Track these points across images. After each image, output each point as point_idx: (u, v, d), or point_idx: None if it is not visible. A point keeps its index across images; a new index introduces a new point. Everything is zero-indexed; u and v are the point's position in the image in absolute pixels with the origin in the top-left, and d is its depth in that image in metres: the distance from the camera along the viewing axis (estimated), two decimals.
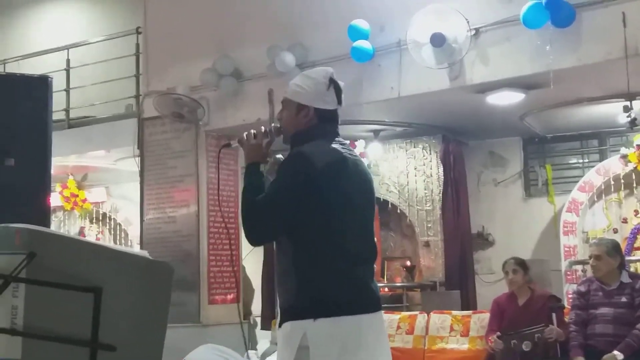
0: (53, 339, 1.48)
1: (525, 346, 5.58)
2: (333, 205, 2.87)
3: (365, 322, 2.86)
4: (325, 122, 3.04)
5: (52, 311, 1.51)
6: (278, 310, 3.03)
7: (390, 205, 8.51)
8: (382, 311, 3.00)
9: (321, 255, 2.86)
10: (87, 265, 1.49)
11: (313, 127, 3.02)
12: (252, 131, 3.11)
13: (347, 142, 3.15)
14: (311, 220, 2.85)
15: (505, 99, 6.79)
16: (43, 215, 4.65)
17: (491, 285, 8.15)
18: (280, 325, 2.94)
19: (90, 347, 1.48)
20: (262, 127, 3.13)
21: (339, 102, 3.06)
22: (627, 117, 6.51)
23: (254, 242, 3.01)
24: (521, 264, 6.00)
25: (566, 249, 7.69)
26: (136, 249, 9.25)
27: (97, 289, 1.45)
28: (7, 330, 1.52)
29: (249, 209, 2.92)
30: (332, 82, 3.04)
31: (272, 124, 3.15)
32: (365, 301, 2.91)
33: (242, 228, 8.24)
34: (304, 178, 2.84)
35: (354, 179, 2.97)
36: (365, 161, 8.37)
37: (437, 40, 6.07)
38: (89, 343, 1.48)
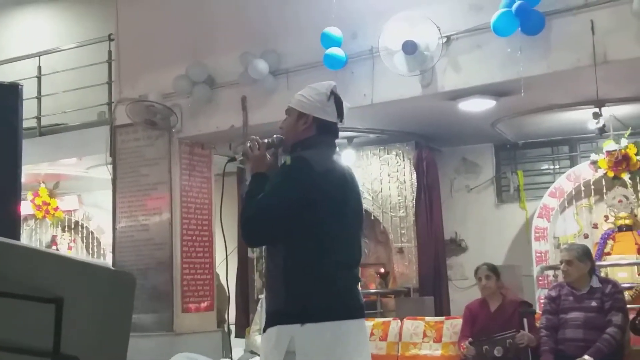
0: (14, 350, 1.47)
1: (497, 352, 5.62)
2: (327, 212, 2.95)
3: (351, 327, 2.93)
4: (324, 134, 3.13)
5: (12, 322, 1.49)
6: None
7: (364, 212, 8.52)
8: (365, 317, 3.06)
9: (311, 261, 2.92)
10: (48, 275, 1.47)
11: (312, 137, 3.10)
12: (255, 142, 3.16)
13: (342, 155, 3.25)
14: (304, 225, 2.91)
15: (477, 105, 6.84)
16: (13, 224, 4.59)
17: (464, 290, 8.20)
18: (264, 330, 2.98)
19: (52, 359, 1.47)
20: (266, 139, 3.18)
21: (340, 116, 3.14)
22: (597, 123, 6.60)
23: (252, 243, 3.27)
24: (493, 270, 6.04)
25: (538, 254, 7.75)
26: (109, 257, 9.19)
27: (59, 299, 1.44)
28: None
29: (249, 213, 2.97)
30: (333, 94, 3.13)
31: (275, 135, 3.21)
32: (351, 307, 2.97)
33: (215, 236, 8.20)
34: (302, 183, 2.92)
35: (347, 190, 3.07)
36: None
37: (409, 48, 6.11)
38: (50, 354, 1.46)
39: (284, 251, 2.94)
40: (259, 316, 6.49)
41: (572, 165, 8.37)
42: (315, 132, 3.10)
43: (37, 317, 1.42)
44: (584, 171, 7.77)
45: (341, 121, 3.16)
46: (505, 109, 7.07)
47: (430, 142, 8.43)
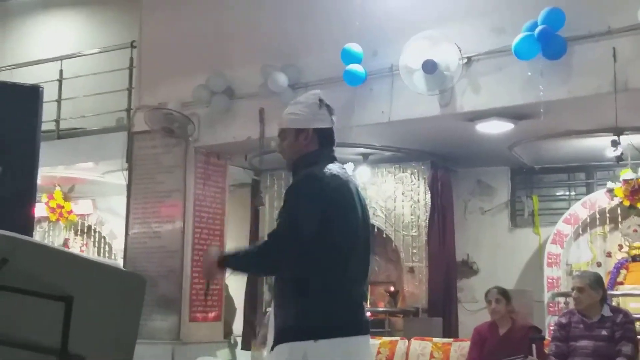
0: (22, 347, 1.47)
1: None
2: (341, 226, 2.93)
3: (360, 343, 2.93)
4: (325, 145, 3.10)
5: (22, 318, 1.50)
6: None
7: (376, 230, 8.50)
8: (369, 333, 3.05)
9: (326, 276, 2.90)
10: (60, 273, 1.48)
11: (315, 151, 3.08)
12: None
13: (345, 165, 3.21)
14: (319, 241, 2.88)
15: (495, 128, 6.82)
16: (27, 225, 4.62)
17: (474, 313, 8.14)
18: (273, 347, 2.94)
19: (59, 357, 1.47)
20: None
21: (332, 121, 3.13)
22: (615, 151, 6.56)
23: (293, 273, 2.93)
24: (504, 293, 5.98)
25: (549, 280, 7.70)
26: (120, 263, 9.20)
27: (69, 297, 1.44)
28: None
29: (272, 252, 2.91)
30: (322, 101, 3.11)
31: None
32: (361, 322, 2.97)
33: (226, 246, 8.19)
34: (318, 200, 2.90)
35: (357, 204, 3.04)
36: None
37: (429, 67, 6.11)
38: (58, 352, 1.47)
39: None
40: (266, 330, 6.47)
41: (588, 192, 8.32)
42: (318, 144, 3.08)
43: (46, 314, 1.43)
44: (600, 199, 7.72)
45: (333, 124, 3.13)
46: (523, 132, 7.04)
47: (446, 162, 8.41)
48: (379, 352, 6.76)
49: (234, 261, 3.05)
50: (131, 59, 8.72)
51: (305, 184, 2.98)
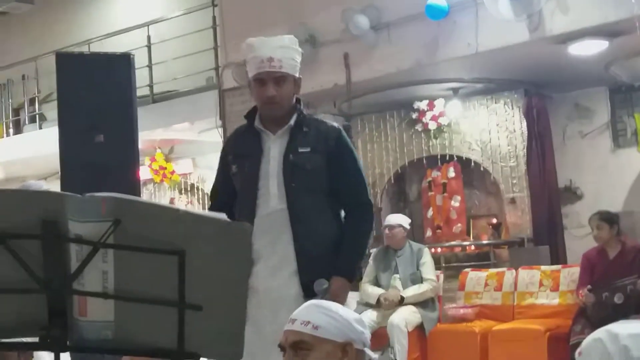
0: (143, 301, 1.57)
1: (618, 298, 5.48)
2: None
3: None
4: None
5: (139, 274, 1.60)
6: None
7: (473, 164, 8.42)
8: None
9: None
10: (169, 229, 1.56)
11: (296, 99, 3.17)
12: None
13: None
14: None
15: (588, 48, 6.58)
16: (134, 188, 4.85)
17: (581, 239, 7.96)
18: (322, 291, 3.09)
19: (178, 307, 1.57)
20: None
21: None
22: None
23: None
24: (606, 219, 5.85)
25: None
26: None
27: (181, 251, 1.52)
28: (100, 294, 1.61)
29: (369, 222, 3.19)
30: None
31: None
32: None
33: None
34: None
35: None
36: (445, 120, 8.34)
37: None
38: (176, 303, 1.56)
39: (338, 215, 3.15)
40: (371, 268, 6.65)
41: None
42: None
43: (161, 269, 1.52)
44: None
45: None
46: (619, 49, 6.76)
47: (540, 88, 8.18)
48: (486, 284, 6.77)
49: (354, 266, 3.14)
50: (214, 17, 8.83)
51: (348, 140, 3.18)
